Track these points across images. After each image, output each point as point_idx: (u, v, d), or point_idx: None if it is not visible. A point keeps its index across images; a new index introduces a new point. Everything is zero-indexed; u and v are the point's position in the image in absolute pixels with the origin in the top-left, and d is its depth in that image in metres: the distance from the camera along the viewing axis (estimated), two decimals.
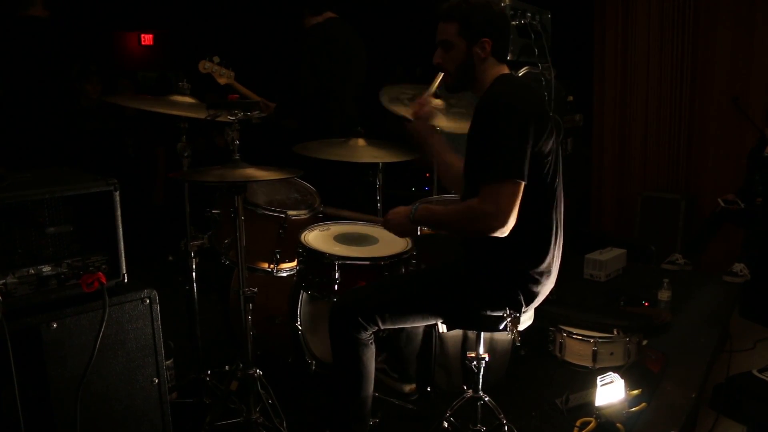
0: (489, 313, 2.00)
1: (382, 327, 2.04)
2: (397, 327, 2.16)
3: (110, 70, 6.40)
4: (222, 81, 2.94)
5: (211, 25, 6.99)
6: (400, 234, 2.22)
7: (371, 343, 2.08)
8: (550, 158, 1.93)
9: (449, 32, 1.99)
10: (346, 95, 3.31)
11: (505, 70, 2.05)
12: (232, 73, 2.94)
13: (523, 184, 1.83)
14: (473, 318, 2.05)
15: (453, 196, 2.81)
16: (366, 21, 3.40)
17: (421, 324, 2.22)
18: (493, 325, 2.02)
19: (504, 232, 1.83)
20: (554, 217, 1.99)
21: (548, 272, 2.00)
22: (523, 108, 1.87)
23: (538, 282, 1.99)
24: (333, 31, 3.21)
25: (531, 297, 2.00)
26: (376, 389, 2.52)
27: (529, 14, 3.53)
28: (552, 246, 1.99)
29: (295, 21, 3.34)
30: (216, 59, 2.90)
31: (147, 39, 8.49)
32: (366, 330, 2.02)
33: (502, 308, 1.99)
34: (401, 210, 2.08)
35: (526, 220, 1.88)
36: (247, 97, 3.03)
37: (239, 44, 6.27)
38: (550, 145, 1.91)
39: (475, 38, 1.97)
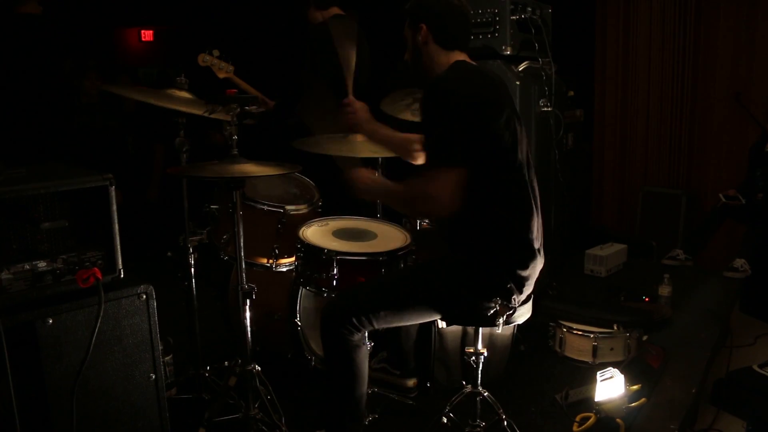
0: (483, 304, 1.97)
1: (376, 327, 2.02)
2: (392, 326, 2.14)
3: (110, 67, 6.38)
4: (221, 75, 2.93)
5: (212, 21, 6.97)
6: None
7: (364, 343, 2.06)
8: (506, 140, 1.91)
9: (405, 29, 2.09)
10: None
11: (460, 58, 2.04)
12: (232, 67, 2.93)
13: (463, 170, 1.84)
14: (468, 312, 2.03)
15: None
16: (363, 18, 3.37)
17: (416, 321, 2.21)
18: (489, 320, 2.01)
19: (443, 214, 1.88)
20: (523, 196, 1.97)
21: (532, 253, 1.97)
22: (463, 93, 1.89)
23: (525, 265, 1.96)
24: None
25: (521, 282, 1.97)
26: (375, 385, 2.52)
27: (529, 9, 3.51)
28: (529, 225, 1.96)
29: (298, 16, 3.31)
30: (215, 53, 2.89)
31: (147, 35, 8.46)
32: (359, 331, 2.00)
33: (494, 299, 1.96)
34: (374, 178, 2.15)
35: (493, 203, 1.91)
36: (245, 91, 3.01)
37: (241, 40, 6.24)
38: (504, 127, 1.90)
39: (415, 26, 2.03)
